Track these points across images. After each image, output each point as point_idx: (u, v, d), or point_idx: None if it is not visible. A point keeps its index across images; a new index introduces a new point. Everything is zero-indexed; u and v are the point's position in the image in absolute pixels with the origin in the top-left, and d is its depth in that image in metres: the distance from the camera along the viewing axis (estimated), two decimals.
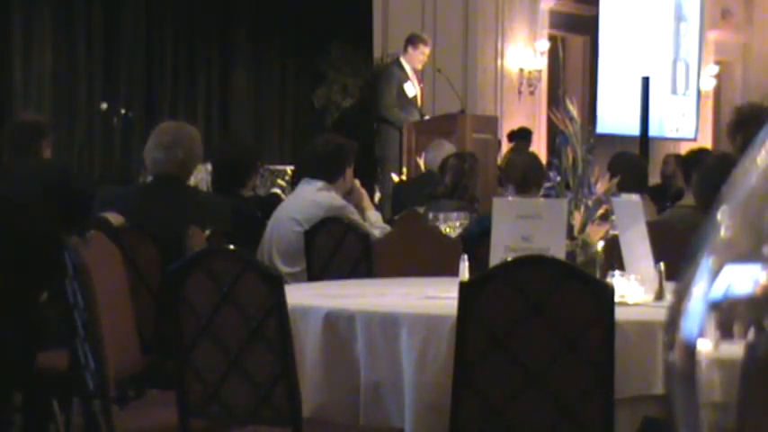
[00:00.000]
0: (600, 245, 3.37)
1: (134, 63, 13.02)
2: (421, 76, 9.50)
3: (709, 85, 15.64)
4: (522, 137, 11.77)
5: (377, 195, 8.92)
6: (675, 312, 0.56)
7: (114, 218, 4.30)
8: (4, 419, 4.33)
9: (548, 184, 3.50)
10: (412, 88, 9.20)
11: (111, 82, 12.78)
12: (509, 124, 12.08)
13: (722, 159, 4.79)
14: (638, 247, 3.36)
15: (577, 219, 3.37)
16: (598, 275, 3.23)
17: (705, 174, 4.54)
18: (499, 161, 9.22)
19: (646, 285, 3.25)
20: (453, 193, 5.49)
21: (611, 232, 3.39)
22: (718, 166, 4.54)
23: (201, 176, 8.19)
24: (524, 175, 4.61)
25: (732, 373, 0.53)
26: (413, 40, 9.41)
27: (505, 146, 11.28)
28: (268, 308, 2.94)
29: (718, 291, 0.54)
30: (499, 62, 12.57)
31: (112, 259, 3.53)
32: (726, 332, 0.54)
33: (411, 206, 5.85)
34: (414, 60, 9.32)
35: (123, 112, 12.45)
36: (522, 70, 12.85)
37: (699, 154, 6.01)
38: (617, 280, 3.19)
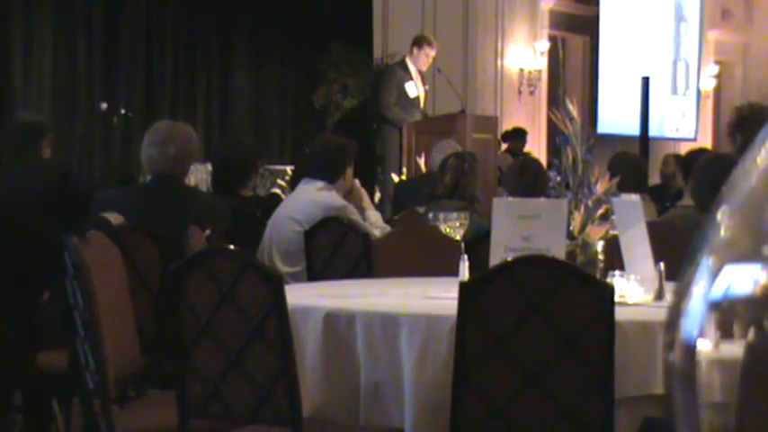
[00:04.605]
0: (600, 245, 3.37)
1: (134, 63, 13.02)
2: (425, 77, 9.49)
3: (709, 85, 15.64)
4: (516, 137, 11.76)
5: (377, 195, 8.91)
6: (675, 312, 0.56)
7: (114, 218, 4.30)
8: (4, 419, 4.34)
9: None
10: (414, 89, 9.19)
11: (111, 82, 12.79)
12: (509, 124, 12.08)
13: (715, 159, 4.81)
14: (638, 247, 3.36)
15: (577, 219, 3.37)
16: (598, 275, 3.23)
17: (698, 173, 4.55)
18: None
19: (646, 285, 3.25)
20: (453, 193, 5.48)
21: (611, 232, 3.39)
22: (711, 165, 4.55)
23: (201, 176, 8.19)
24: (532, 190, 4.61)
25: (732, 373, 0.53)
26: (418, 41, 9.39)
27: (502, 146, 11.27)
28: (268, 308, 2.94)
29: (718, 291, 0.54)
30: (499, 62, 12.57)
31: (112, 259, 3.53)
32: (726, 332, 0.54)
33: (411, 206, 5.85)
34: (418, 61, 9.30)
35: (123, 112, 12.46)
36: (522, 70, 12.85)
37: (698, 154, 6.01)
38: (617, 280, 3.19)
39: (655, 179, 10.34)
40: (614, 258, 3.40)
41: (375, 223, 5.27)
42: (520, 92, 12.88)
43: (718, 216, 0.55)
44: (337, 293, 3.46)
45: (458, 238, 3.53)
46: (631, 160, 5.86)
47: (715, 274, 0.54)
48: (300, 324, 3.06)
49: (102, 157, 12.67)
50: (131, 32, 13.01)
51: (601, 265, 3.36)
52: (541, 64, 13.06)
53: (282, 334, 2.93)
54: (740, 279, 0.54)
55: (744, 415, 0.53)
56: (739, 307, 0.53)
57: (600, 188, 3.43)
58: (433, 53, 9.40)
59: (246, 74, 13.96)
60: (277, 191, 6.90)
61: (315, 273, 4.67)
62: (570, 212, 3.36)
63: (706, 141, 15.03)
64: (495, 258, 3.24)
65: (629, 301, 3.17)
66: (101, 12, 12.76)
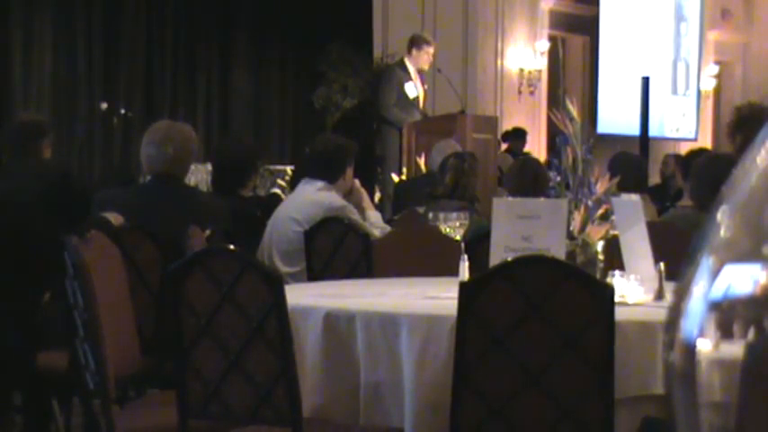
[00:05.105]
0: (600, 245, 3.37)
1: (134, 63, 13.02)
2: (424, 77, 9.46)
3: (709, 85, 15.64)
4: (516, 137, 11.77)
5: (377, 195, 8.91)
6: (675, 312, 0.56)
7: (114, 218, 4.30)
8: (4, 419, 4.33)
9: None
10: (413, 89, 9.17)
11: (111, 82, 12.79)
12: (509, 124, 12.08)
13: (715, 159, 4.82)
14: (638, 247, 3.36)
15: (577, 219, 3.37)
16: (598, 275, 3.23)
17: (698, 173, 4.56)
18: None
19: (646, 285, 3.25)
20: (453, 193, 5.48)
21: (611, 232, 3.39)
22: (711, 164, 4.56)
23: (201, 176, 8.19)
24: (532, 190, 4.61)
25: (732, 373, 0.53)
26: (417, 42, 9.34)
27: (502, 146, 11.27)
28: (268, 308, 2.94)
29: (718, 291, 0.54)
30: (499, 62, 12.57)
31: (112, 259, 3.53)
32: (726, 332, 0.54)
33: (411, 206, 5.85)
34: (420, 61, 9.27)
35: (123, 112, 12.46)
36: (522, 70, 12.85)
37: (698, 154, 6.01)
38: (617, 280, 3.19)
39: (655, 179, 10.35)
40: (614, 258, 3.40)
41: (375, 223, 5.26)
42: (520, 92, 12.89)
43: (718, 216, 0.55)
44: (337, 293, 3.46)
45: (458, 238, 3.53)
46: (631, 160, 5.86)
47: (715, 274, 0.54)
48: (300, 324, 3.06)
49: (102, 157, 12.67)
50: (131, 32, 13.01)
51: (601, 265, 3.35)
52: (541, 64, 13.06)
53: (282, 334, 2.93)
54: (740, 279, 0.54)
55: (744, 415, 0.53)
56: (739, 307, 0.53)
57: (600, 188, 3.43)
58: (432, 50, 9.38)
59: (246, 74, 13.96)
60: (277, 191, 6.89)
61: (315, 273, 4.67)
62: (570, 212, 3.36)
63: (706, 141, 15.03)
64: (495, 258, 3.24)
65: (629, 301, 3.17)
66: (101, 12, 12.75)
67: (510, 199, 4.15)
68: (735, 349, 0.53)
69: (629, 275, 3.26)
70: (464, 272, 3.38)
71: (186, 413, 3.06)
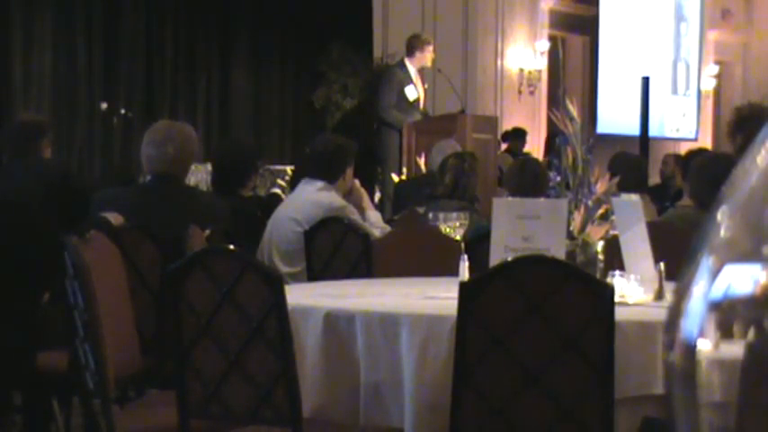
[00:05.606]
0: (600, 245, 3.37)
1: (134, 63, 13.02)
2: (424, 77, 9.44)
3: (709, 85, 15.64)
4: (516, 137, 11.77)
5: (377, 195, 8.90)
6: (675, 312, 0.56)
7: (114, 218, 4.30)
8: (4, 419, 4.33)
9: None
10: (413, 92, 9.15)
11: (111, 82, 12.79)
12: (509, 124, 12.08)
13: (714, 158, 4.82)
14: (638, 247, 3.36)
15: (577, 219, 3.37)
16: (598, 275, 3.23)
17: (697, 173, 4.56)
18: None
19: (646, 285, 3.25)
20: (453, 193, 5.48)
21: (611, 232, 3.39)
22: (710, 164, 4.56)
23: (201, 176, 8.19)
24: (532, 190, 4.61)
25: (732, 373, 0.53)
26: (418, 44, 9.27)
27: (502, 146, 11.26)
28: (268, 308, 2.94)
29: (718, 291, 0.54)
30: (499, 62, 12.57)
31: (112, 259, 3.53)
32: (726, 332, 0.54)
33: (411, 206, 5.85)
34: (423, 60, 9.23)
35: (123, 112, 12.45)
36: (522, 70, 12.86)
37: (699, 154, 6.01)
38: (617, 280, 3.19)
39: (655, 179, 10.35)
40: (614, 258, 3.40)
41: (375, 223, 5.26)
42: (520, 92, 12.89)
43: (718, 216, 0.55)
44: (337, 293, 3.46)
45: (458, 238, 3.53)
46: (631, 160, 5.86)
47: (715, 274, 0.54)
48: (300, 324, 3.06)
49: (102, 157, 12.67)
50: (131, 32, 13.01)
51: (601, 265, 3.35)
52: (541, 64, 13.06)
53: (282, 334, 2.93)
54: (740, 279, 0.53)
55: (744, 415, 0.53)
56: (739, 307, 0.53)
57: (600, 188, 3.43)
58: (432, 47, 9.37)
59: (246, 74, 13.96)
60: (277, 191, 6.89)
61: (315, 273, 4.67)
62: (570, 212, 3.36)
63: (706, 141, 15.04)
64: (495, 258, 3.24)
65: (629, 301, 3.17)
66: (101, 12, 12.76)
67: (510, 199, 4.15)
68: (735, 349, 0.53)
69: (629, 275, 3.26)
70: (464, 272, 3.38)
71: (186, 413, 3.06)
